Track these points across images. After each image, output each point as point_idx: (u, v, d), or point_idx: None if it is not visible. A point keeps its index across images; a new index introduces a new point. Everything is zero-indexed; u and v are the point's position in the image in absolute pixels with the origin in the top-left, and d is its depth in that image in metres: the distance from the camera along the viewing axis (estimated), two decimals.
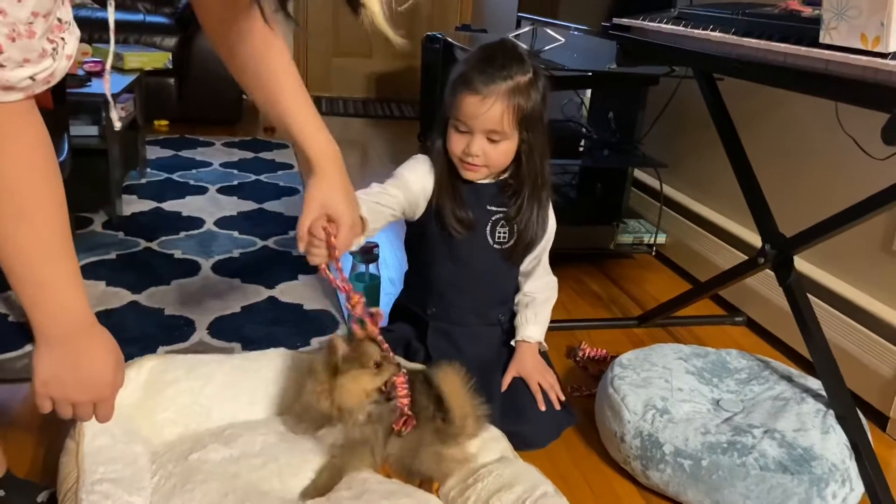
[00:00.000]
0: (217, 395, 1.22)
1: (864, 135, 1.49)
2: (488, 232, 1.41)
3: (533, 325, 1.48)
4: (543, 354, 1.49)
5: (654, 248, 2.32)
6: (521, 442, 1.32)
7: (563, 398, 1.41)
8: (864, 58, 1.00)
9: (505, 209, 1.40)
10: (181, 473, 1.05)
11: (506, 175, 1.40)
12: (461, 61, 1.35)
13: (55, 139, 1.68)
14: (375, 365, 1.10)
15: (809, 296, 1.45)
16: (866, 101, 1.04)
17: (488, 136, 1.30)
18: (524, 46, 1.45)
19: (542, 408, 1.36)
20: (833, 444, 1.22)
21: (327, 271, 1.11)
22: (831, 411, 1.30)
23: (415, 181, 1.38)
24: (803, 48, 1.10)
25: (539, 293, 1.50)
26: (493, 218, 1.40)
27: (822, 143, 1.77)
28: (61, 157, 1.63)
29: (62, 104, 1.80)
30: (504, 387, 1.39)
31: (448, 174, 1.38)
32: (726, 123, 1.58)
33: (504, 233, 1.42)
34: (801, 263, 1.66)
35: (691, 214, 2.27)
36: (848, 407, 1.28)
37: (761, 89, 1.97)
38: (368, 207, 1.27)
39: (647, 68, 2.19)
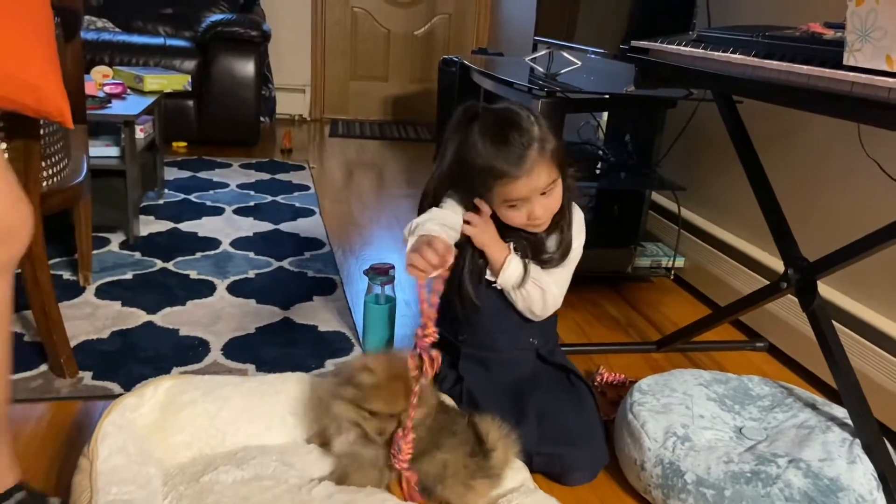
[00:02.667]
0: (233, 418, 1.20)
1: (888, 158, 1.47)
2: None
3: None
4: (586, 384, 1.44)
5: (672, 272, 2.29)
6: (560, 465, 1.29)
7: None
8: (890, 80, 0.98)
9: (524, 240, 1.38)
10: (192, 495, 1.04)
11: None
12: (475, 152, 1.28)
13: (75, 160, 1.70)
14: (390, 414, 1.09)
15: (833, 322, 1.43)
16: (892, 123, 1.02)
17: (542, 192, 1.29)
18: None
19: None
20: (860, 475, 1.19)
21: (423, 287, 1.10)
22: (857, 440, 1.26)
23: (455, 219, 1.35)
24: (827, 70, 1.09)
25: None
26: (515, 248, 1.38)
27: (844, 167, 1.74)
28: (80, 178, 1.64)
29: (82, 125, 1.82)
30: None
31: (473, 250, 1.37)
32: (746, 145, 1.56)
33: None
34: (824, 289, 1.63)
35: (710, 238, 2.24)
36: (875, 436, 1.24)
37: (780, 113, 1.96)
38: (446, 234, 1.24)
39: (666, 91, 2.18)
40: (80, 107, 1.78)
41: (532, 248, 1.39)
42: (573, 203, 1.41)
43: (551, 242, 1.39)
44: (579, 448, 1.31)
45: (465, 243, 1.36)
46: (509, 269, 1.36)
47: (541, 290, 1.37)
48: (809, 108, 1.22)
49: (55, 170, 1.54)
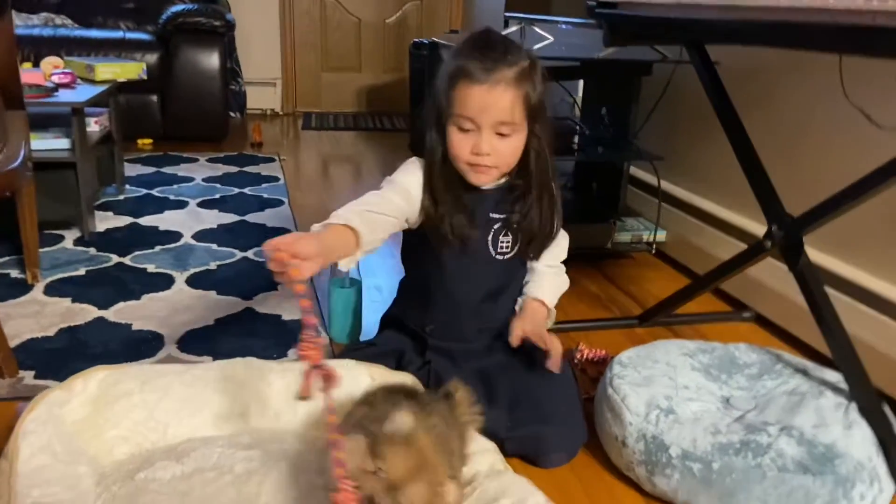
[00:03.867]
0: (175, 409, 1.10)
1: (873, 105, 1.38)
2: (490, 242, 1.29)
3: (541, 289, 1.34)
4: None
5: (654, 246, 2.21)
6: (541, 447, 1.20)
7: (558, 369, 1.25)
8: (874, 1, 0.90)
9: (506, 215, 1.27)
10: (126, 496, 0.94)
11: (510, 176, 1.26)
12: (452, 54, 1.19)
13: (12, 146, 1.59)
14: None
15: (824, 286, 1.34)
16: (874, 48, 0.93)
17: (497, 130, 1.16)
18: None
19: (556, 369, 1.22)
20: (858, 440, 1.10)
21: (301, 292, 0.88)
22: (853, 404, 1.17)
23: (415, 186, 1.24)
24: (805, 0, 1.00)
25: (546, 269, 1.37)
26: (495, 227, 1.28)
27: (827, 121, 1.66)
28: (14, 164, 1.53)
29: (20, 111, 1.70)
30: (515, 341, 1.24)
31: (447, 181, 1.23)
32: (723, 101, 1.47)
33: (507, 242, 1.29)
34: (813, 253, 1.55)
35: (691, 209, 2.16)
36: (872, 398, 1.15)
37: (760, 73, 1.87)
38: (363, 219, 1.13)
39: (639, 53, 2.10)
40: (15, 93, 1.67)
41: (523, 234, 1.29)
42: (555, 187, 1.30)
43: (535, 222, 1.28)
44: (553, 426, 1.21)
45: (434, 215, 1.24)
46: (555, 295, 1.37)
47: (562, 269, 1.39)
48: (789, 45, 1.14)
49: None
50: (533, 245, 1.31)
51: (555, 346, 1.24)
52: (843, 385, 1.23)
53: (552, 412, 1.22)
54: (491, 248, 1.29)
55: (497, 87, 1.13)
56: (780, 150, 1.79)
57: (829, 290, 1.42)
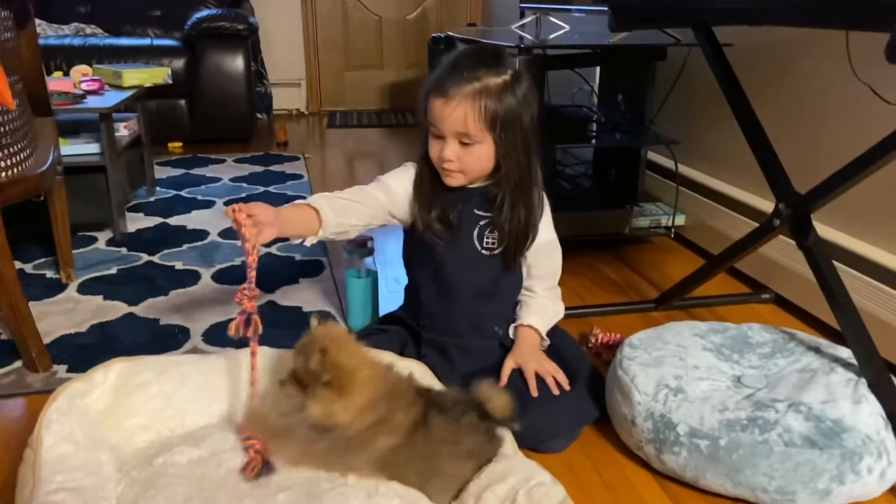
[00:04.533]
0: (192, 397, 1.14)
1: (880, 81, 1.37)
2: (475, 237, 1.34)
3: (535, 315, 1.38)
4: (573, 342, 1.43)
5: (673, 230, 2.20)
6: (533, 436, 1.21)
7: (566, 386, 1.28)
8: None
9: (492, 214, 1.33)
10: (145, 480, 0.98)
11: (488, 182, 1.33)
12: (436, 69, 1.30)
13: (41, 152, 1.65)
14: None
15: (835, 263, 1.33)
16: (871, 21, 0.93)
17: (459, 139, 1.24)
18: (518, 42, 1.38)
19: (534, 393, 1.25)
20: (866, 415, 1.10)
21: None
22: (863, 380, 1.17)
23: (399, 186, 1.35)
24: None
25: (542, 292, 1.41)
26: (481, 223, 1.33)
27: (837, 99, 1.64)
28: (43, 168, 1.59)
29: (48, 118, 1.77)
30: (503, 380, 1.29)
31: (430, 179, 1.33)
32: (729, 79, 1.47)
33: (492, 238, 1.34)
34: (823, 229, 1.54)
35: (710, 192, 2.15)
36: (880, 373, 1.15)
37: (770, 55, 1.86)
38: (330, 203, 1.28)
39: (653, 38, 2.09)
40: (43, 100, 1.74)
41: (506, 233, 1.33)
42: (543, 197, 1.36)
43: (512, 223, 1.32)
44: (549, 414, 1.23)
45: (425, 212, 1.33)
46: (549, 321, 1.39)
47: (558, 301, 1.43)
48: (792, 22, 1.13)
49: (15, 160, 1.50)
50: (515, 244, 1.34)
51: (540, 371, 1.29)
52: (855, 361, 1.22)
53: (538, 401, 1.24)
54: (476, 242, 1.34)
55: (451, 101, 1.21)
56: (795, 129, 1.77)
57: (842, 267, 1.41)
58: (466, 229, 1.33)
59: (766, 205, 1.90)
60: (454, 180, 1.30)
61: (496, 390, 1.09)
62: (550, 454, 1.23)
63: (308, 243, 1.28)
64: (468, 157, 1.26)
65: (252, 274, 1.08)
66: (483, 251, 1.35)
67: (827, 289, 1.25)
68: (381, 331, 1.44)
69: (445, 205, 1.33)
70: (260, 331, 1.09)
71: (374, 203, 1.34)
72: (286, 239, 1.38)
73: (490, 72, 1.22)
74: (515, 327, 1.38)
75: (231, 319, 1.69)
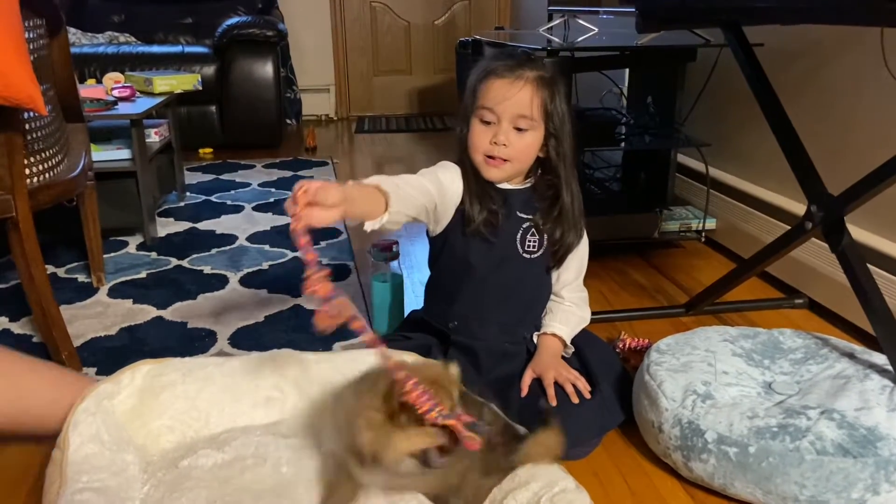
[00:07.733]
0: (216, 399, 1.15)
1: None
2: (518, 240, 1.32)
3: (558, 322, 1.37)
4: (602, 345, 1.42)
5: (703, 234, 2.17)
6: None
7: (586, 394, 1.25)
8: None
9: (533, 215, 1.31)
10: (170, 481, 0.99)
11: (533, 179, 1.32)
12: (482, 61, 1.29)
13: (73, 157, 1.68)
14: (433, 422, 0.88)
15: (869, 266, 1.29)
16: None
17: (516, 124, 1.22)
18: (546, 45, 1.37)
19: (553, 403, 1.22)
20: None
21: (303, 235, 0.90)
22: None
23: (449, 182, 1.29)
24: None
25: (570, 298, 1.40)
26: (524, 226, 1.31)
27: (871, 98, 1.60)
28: (74, 173, 1.62)
29: (79, 123, 1.80)
30: (524, 390, 1.27)
31: (475, 177, 1.29)
32: (760, 79, 1.44)
33: (534, 241, 1.32)
34: (857, 232, 1.50)
35: (742, 195, 2.11)
36: None
37: (801, 54, 1.82)
38: (395, 187, 1.14)
39: (683, 39, 2.07)
40: (74, 106, 1.76)
41: (549, 234, 1.32)
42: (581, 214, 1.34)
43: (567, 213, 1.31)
44: (568, 419, 1.17)
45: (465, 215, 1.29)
46: (573, 328, 1.37)
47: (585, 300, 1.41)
48: (824, 20, 1.11)
49: (47, 165, 1.52)
50: (559, 246, 1.33)
51: (559, 379, 1.26)
52: (891, 367, 1.18)
53: (559, 408, 1.21)
54: (519, 245, 1.32)
55: (518, 81, 1.22)
56: (826, 130, 1.73)
57: (876, 270, 1.37)
58: (510, 231, 1.31)
59: (799, 207, 1.86)
60: (498, 171, 1.26)
61: (549, 432, 1.06)
62: (574, 460, 1.21)
63: (368, 228, 1.13)
64: (519, 143, 1.24)
65: (310, 257, 0.91)
66: (524, 254, 1.32)
67: (861, 293, 1.22)
68: (404, 338, 1.42)
69: (493, 204, 1.29)
70: (351, 312, 0.92)
71: (426, 197, 1.25)
72: (315, 242, 1.33)
73: (543, 68, 1.26)
74: (539, 335, 1.36)
75: (258, 323, 1.73)
